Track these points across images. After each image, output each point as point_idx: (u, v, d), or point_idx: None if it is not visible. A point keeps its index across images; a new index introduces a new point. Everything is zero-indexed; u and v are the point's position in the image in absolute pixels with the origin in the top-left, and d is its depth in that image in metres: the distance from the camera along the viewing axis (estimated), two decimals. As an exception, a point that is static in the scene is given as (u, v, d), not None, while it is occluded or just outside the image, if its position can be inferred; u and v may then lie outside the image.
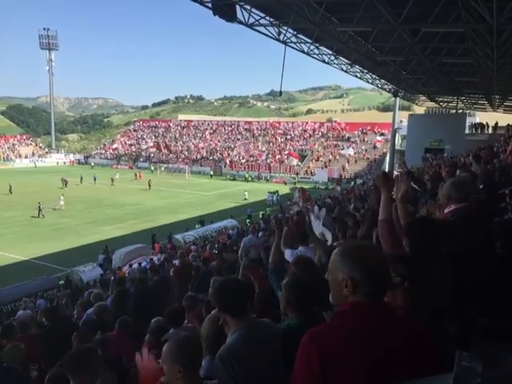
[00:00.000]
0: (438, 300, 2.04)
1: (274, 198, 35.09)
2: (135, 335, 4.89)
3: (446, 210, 2.84)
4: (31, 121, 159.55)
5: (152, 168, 58.04)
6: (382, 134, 58.74)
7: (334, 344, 1.31)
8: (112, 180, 44.25)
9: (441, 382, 0.83)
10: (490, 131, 35.16)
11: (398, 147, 45.87)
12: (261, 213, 27.99)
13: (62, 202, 31.52)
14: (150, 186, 41.80)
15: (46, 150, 77.24)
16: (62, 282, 16.00)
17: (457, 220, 2.69)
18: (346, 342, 1.31)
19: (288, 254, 4.44)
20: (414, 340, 1.38)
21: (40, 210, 28.98)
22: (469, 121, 38.24)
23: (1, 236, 24.40)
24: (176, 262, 12.64)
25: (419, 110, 52.93)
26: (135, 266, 16.55)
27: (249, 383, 2.07)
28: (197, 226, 24.26)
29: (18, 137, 78.92)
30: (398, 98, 41.31)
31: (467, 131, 36.35)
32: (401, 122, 48.12)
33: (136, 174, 50.50)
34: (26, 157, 68.52)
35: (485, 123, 36.70)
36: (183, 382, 2.04)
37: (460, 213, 2.73)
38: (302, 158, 57.68)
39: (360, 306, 1.40)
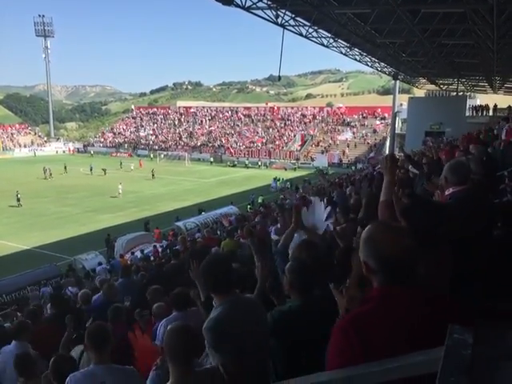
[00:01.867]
0: (436, 283, 2.07)
1: (278, 185, 35.18)
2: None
3: (446, 193, 2.87)
4: (29, 110, 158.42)
5: (151, 156, 57.81)
6: (382, 118, 58.38)
7: (370, 327, 1.36)
8: (104, 170, 43.33)
9: (434, 354, 0.86)
10: (491, 113, 34.96)
11: (398, 131, 45.66)
12: (260, 198, 28.27)
13: (120, 191, 32.83)
14: (153, 175, 41.14)
15: (45, 138, 77.01)
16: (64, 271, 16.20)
17: (455, 202, 2.71)
18: (380, 326, 1.36)
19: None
20: (446, 320, 1.40)
21: (18, 199, 29.13)
22: (469, 103, 37.97)
23: (3, 225, 24.54)
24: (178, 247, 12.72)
25: (419, 92, 52.56)
26: (137, 253, 16.69)
27: (235, 352, 2.20)
28: (203, 213, 24.27)
29: (17, 126, 78.57)
30: (397, 81, 41.04)
31: (468, 114, 36.14)
32: (401, 105, 47.81)
33: (121, 162, 48.28)
34: (25, 146, 68.34)
35: (486, 105, 36.46)
36: (172, 372, 2.15)
37: (459, 195, 2.75)
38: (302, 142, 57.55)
39: (387, 293, 1.44)
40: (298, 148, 56.09)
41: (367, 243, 1.49)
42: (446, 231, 2.21)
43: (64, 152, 69.57)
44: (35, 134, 76.98)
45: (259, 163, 52.26)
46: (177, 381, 2.11)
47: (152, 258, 13.79)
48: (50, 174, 41.39)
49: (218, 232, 15.51)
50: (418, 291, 1.47)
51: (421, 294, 1.47)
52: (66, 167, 44.67)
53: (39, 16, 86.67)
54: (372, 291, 1.51)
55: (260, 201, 27.32)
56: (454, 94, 39.24)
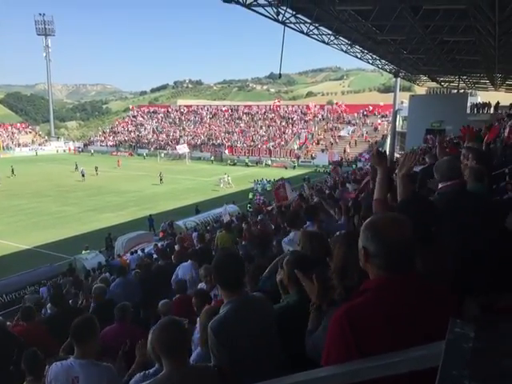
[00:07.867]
0: (434, 279, 2.06)
1: (259, 188, 34.13)
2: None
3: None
4: (30, 109, 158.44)
5: (144, 154, 57.51)
6: (383, 116, 58.27)
7: (364, 319, 1.36)
8: (96, 168, 42.64)
9: (435, 348, 0.84)
10: (492, 111, 34.87)
11: (399, 129, 45.58)
12: (251, 194, 29.63)
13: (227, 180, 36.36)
14: (161, 179, 38.23)
15: (46, 137, 77.00)
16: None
17: (440, 197, 2.79)
18: (374, 318, 1.35)
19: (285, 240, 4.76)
20: (445, 311, 1.37)
21: None
22: (470, 101, 37.87)
23: (5, 225, 24.55)
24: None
25: (420, 90, 52.43)
26: (139, 252, 16.61)
27: (238, 353, 2.19)
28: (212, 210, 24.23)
29: (18, 125, 78.62)
30: (398, 79, 40.90)
31: (469, 111, 36.05)
32: (402, 103, 47.70)
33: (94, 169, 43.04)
34: (25, 145, 68.32)
35: (488, 102, 36.40)
36: (165, 366, 2.11)
37: (446, 190, 2.87)
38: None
39: (383, 284, 1.42)
40: (299, 146, 56.01)
41: (369, 228, 1.49)
42: (440, 227, 2.21)
43: (64, 151, 69.52)
44: (36, 133, 77.04)
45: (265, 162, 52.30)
46: (170, 372, 2.08)
47: (155, 256, 13.72)
48: None
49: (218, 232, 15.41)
50: (416, 282, 1.45)
51: (419, 285, 1.45)
52: (13, 170, 41.36)
53: (40, 15, 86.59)
54: (369, 282, 1.50)
55: (250, 197, 27.78)
56: (455, 91, 39.07)
